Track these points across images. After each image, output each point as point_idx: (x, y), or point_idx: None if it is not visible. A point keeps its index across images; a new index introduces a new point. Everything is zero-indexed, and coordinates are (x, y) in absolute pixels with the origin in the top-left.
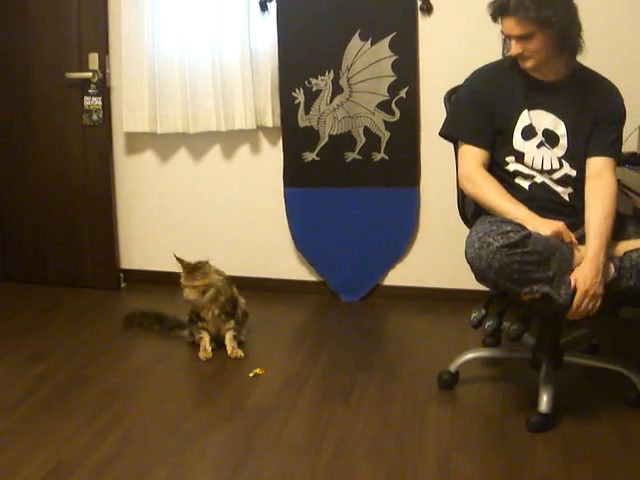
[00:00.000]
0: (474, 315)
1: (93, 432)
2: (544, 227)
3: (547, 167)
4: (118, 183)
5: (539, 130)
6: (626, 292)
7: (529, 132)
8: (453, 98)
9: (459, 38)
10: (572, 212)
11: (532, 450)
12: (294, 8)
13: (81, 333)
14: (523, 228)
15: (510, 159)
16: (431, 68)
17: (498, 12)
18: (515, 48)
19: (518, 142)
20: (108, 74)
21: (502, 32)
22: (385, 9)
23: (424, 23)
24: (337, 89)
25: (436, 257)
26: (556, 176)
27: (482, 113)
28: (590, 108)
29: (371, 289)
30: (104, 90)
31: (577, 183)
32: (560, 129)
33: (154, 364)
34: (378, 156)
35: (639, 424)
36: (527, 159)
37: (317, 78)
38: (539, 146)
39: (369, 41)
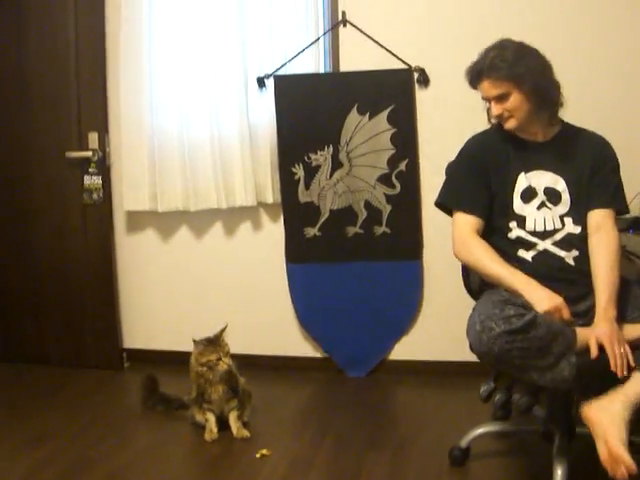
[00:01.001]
0: (483, 389)
1: None
2: (541, 302)
3: (549, 228)
4: (119, 262)
5: (539, 190)
6: None
7: (528, 195)
8: (446, 168)
9: (457, 108)
10: (580, 278)
11: None
12: (291, 84)
13: (84, 415)
14: (526, 309)
15: (512, 224)
16: (430, 139)
17: (475, 78)
18: (495, 109)
19: (518, 206)
20: (108, 153)
21: (482, 98)
22: (382, 83)
23: (421, 95)
24: (337, 164)
25: (442, 330)
26: (558, 237)
27: (477, 180)
28: (586, 159)
29: (377, 364)
30: (104, 169)
31: (581, 243)
32: (560, 185)
33: (160, 446)
34: (380, 230)
35: None
36: (528, 223)
37: (316, 153)
38: (539, 207)
39: (367, 115)
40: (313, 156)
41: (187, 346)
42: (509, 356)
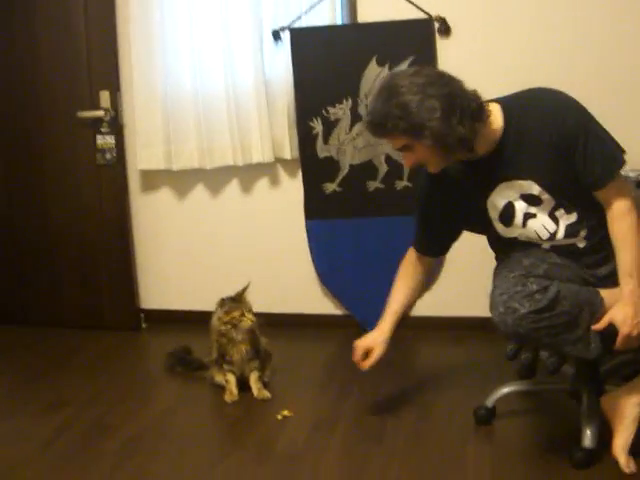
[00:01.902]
0: (510, 347)
1: None
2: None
3: (545, 236)
4: (135, 221)
5: (517, 201)
6: None
7: (507, 215)
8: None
9: (479, 59)
10: (594, 250)
11: None
12: (308, 36)
13: (102, 378)
14: (549, 279)
15: (509, 239)
16: None
17: (373, 132)
18: (405, 162)
19: (504, 231)
20: (120, 111)
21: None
22: (402, 33)
23: (442, 45)
24: (356, 117)
25: (465, 285)
26: (559, 236)
27: (427, 221)
28: (544, 147)
29: None
30: (117, 128)
31: (585, 222)
32: (534, 188)
33: (178, 408)
34: (401, 184)
35: None
36: (521, 239)
37: (335, 107)
38: (524, 224)
39: (387, 66)
40: (332, 110)
41: (205, 305)
42: (537, 335)
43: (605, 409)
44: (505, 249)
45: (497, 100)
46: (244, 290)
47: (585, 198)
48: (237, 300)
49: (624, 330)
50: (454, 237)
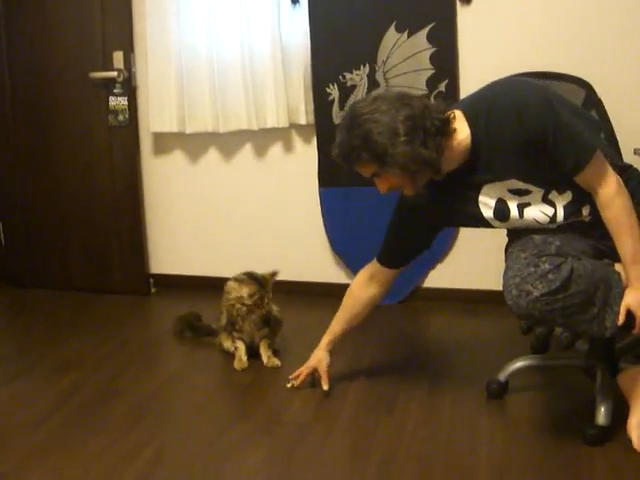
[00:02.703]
0: (524, 321)
1: (124, 450)
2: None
3: (545, 222)
4: (146, 185)
5: (510, 199)
6: None
7: (501, 211)
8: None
9: (500, 28)
10: (598, 224)
11: (590, 465)
12: (326, 0)
13: (110, 342)
14: (562, 256)
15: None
16: (471, 60)
17: (344, 163)
18: (380, 188)
19: (502, 226)
20: (134, 73)
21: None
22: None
23: (463, 13)
24: (373, 84)
25: (478, 257)
26: (559, 218)
27: (410, 229)
28: (515, 145)
29: (411, 292)
30: (130, 90)
31: (583, 197)
32: (518, 184)
33: (187, 374)
34: None
35: None
36: (525, 223)
37: (352, 73)
38: (521, 215)
39: (406, 33)
40: (348, 76)
41: (215, 271)
42: (551, 317)
43: (622, 386)
44: (513, 230)
45: (460, 107)
46: (272, 276)
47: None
48: (262, 284)
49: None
50: (428, 245)
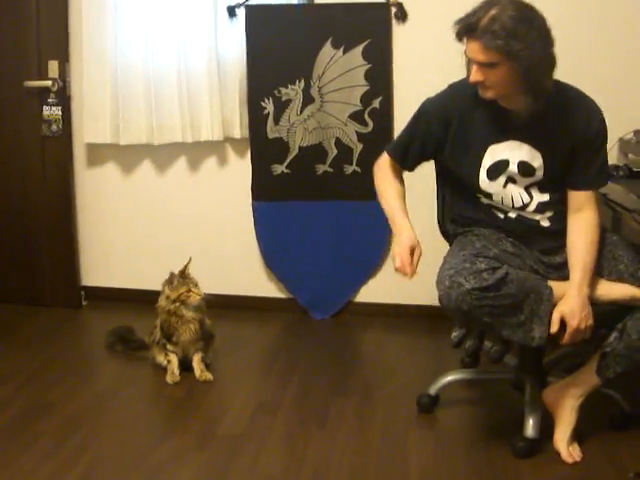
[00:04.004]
0: (454, 334)
1: (56, 464)
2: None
3: (518, 204)
4: (79, 196)
5: (512, 163)
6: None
7: (496, 171)
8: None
9: (435, 46)
10: (555, 234)
11: (518, 478)
12: (264, 14)
13: (41, 356)
14: (499, 262)
15: (480, 196)
16: (406, 77)
17: (464, 32)
18: (475, 75)
19: (484, 183)
20: (68, 82)
21: (465, 54)
22: (358, 16)
23: (398, 31)
24: (308, 99)
25: None
26: (530, 208)
27: (425, 143)
28: (569, 136)
29: (343, 306)
30: (64, 99)
31: (554, 206)
32: (537, 161)
33: (119, 388)
34: (350, 169)
35: (627, 445)
36: (496, 199)
37: (287, 87)
38: (505, 185)
39: (341, 49)
40: (284, 90)
41: (147, 284)
42: (479, 313)
43: (547, 401)
44: (464, 220)
45: None
46: (186, 266)
47: (563, 189)
48: (182, 277)
49: (572, 323)
50: (424, 160)
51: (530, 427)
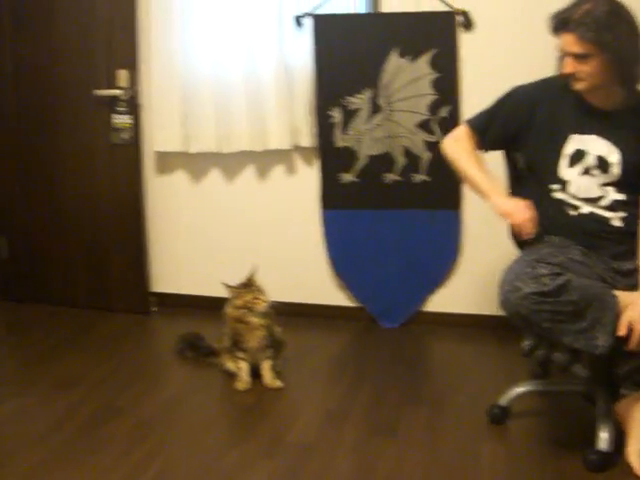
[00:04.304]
0: (526, 343)
1: (128, 468)
2: (501, 207)
3: (592, 195)
4: (149, 204)
5: (590, 156)
6: None
7: (575, 159)
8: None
9: (501, 54)
10: (626, 238)
11: None
12: (331, 24)
13: (111, 360)
14: (562, 269)
15: (555, 187)
16: (473, 86)
17: (559, 26)
18: (568, 66)
19: (563, 169)
20: (138, 91)
21: (558, 48)
22: (424, 25)
23: (465, 39)
24: (375, 108)
25: (479, 282)
26: (603, 203)
27: (507, 121)
28: None
29: (412, 315)
30: (134, 108)
31: (628, 207)
32: (614, 156)
33: (189, 394)
34: (418, 177)
35: None
36: (570, 188)
37: (354, 96)
38: (583, 174)
39: (408, 58)
40: (351, 99)
41: (216, 291)
42: (538, 318)
43: (619, 414)
44: (542, 203)
45: None
46: (252, 273)
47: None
48: (247, 285)
49: (638, 329)
50: (501, 144)
51: (602, 440)
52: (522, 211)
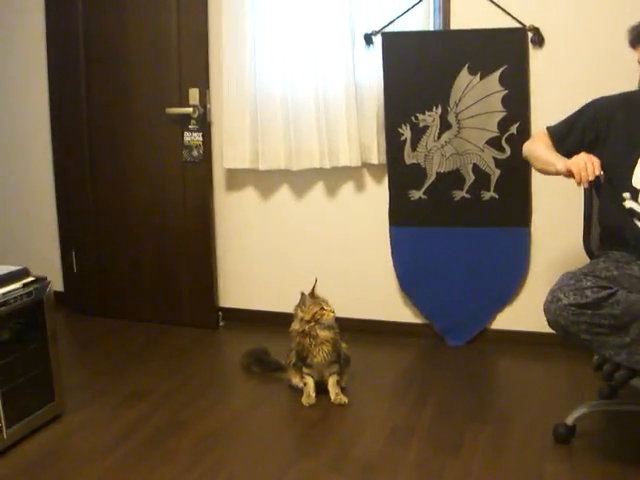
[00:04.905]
0: (596, 357)
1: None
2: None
3: None
4: (218, 220)
5: None
6: None
7: None
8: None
9: (572, 71)
10: None
11: None
12: (400, 41)
13: (178, 374)
14: (610, 284)
15: (626, 195)
16: (543, 103)
17: (636, 39)
18: None
19: (636, 179)
20: (209, 109)
21: (639, 61)
22: (495, 42)
23: (535, 56)
24: (445, 125)
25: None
26: None
27: (586, 130)
28: None
29: (478, 333)
30: (205, 125)
31: None
32: None
33: (255, 408)
34: (488, 195)
35: None
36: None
37: (424, 114)
38: None
39: (478, 75)
40: (421, 116)
41: (284, 307)
42: (576, 329)
43: None
44: (613, 212)
45: None
46: (314, 287)
47: None
48: (311, 297)
49: None
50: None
51: None
52: (582, 158)
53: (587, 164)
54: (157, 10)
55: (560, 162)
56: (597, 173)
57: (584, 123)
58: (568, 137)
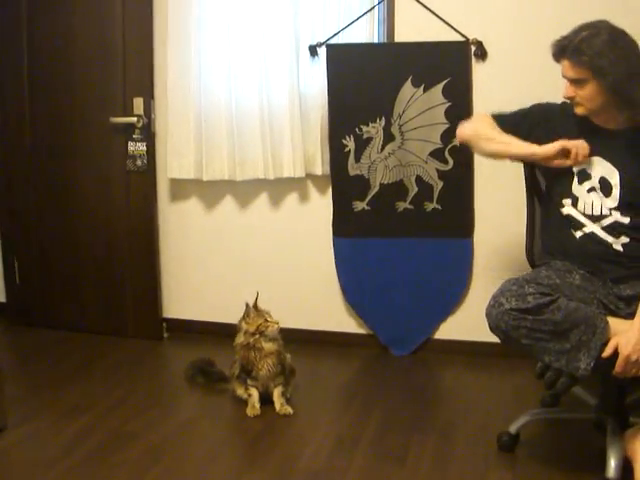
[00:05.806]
0: (539, 365)
1: None
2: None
3: (596, 213)
4: (162, 230)
5: (594, 177)
6: None
7: (584, 176)
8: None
9: (514, 84)
10: (628, 262)
11: None
12: (344, 53)
13: (123, 385)
14: (552, 291)
15: (566, 201)
16: None
17: (557, 53)
18: (567, 91)
19: (575, 186)
20: (153, 119)
21: (563, 75)
22: (438, 55)
23: (478, 69)
24: (389, 136)
25: None
26: (605, 223)
27: (532, 125)
28: None
29: (422, 343)
30: (149, 135)
31: (631, 231)
32: (614, 178)
33: (200, 420)
34: (431, 206)
35: None
36: (580, 204)
37: (368, 125)
38: (589, 191)
39: (422, 87)
40: (365, 128)
41: (228, 318)
42: (517, 334)
43: (627, 443)
44: (551, 218)
45: None
46: (256, 300)
47: None
48: (254, 310)
49: (624, 352)
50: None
51: (612, 468)
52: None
53: (577, 144)
54: (102, 19)
55: (533, 147)
56: (587, 152)
57: (533, 119)
58: (520, 126)
